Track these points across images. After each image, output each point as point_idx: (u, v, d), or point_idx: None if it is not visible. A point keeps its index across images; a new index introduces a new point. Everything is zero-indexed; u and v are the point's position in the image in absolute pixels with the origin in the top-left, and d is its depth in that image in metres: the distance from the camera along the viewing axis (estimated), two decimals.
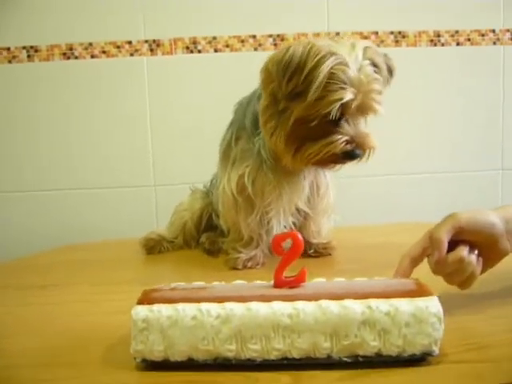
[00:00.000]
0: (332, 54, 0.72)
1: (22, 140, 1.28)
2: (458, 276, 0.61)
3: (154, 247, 1.02)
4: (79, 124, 1.28)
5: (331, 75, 0.71)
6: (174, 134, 1.29)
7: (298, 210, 0.90)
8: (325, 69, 0.70)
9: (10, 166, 1.28)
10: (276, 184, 0.84)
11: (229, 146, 0.87)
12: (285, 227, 0.89)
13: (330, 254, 0.93)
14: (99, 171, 1.29)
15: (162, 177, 1.29)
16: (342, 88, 0.71)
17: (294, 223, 0.91)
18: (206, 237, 1.01)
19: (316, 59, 0.70)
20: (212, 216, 1.00)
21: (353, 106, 0.73)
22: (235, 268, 0.87)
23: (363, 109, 0.76)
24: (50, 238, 1.24)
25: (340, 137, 0.75)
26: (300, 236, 0.55)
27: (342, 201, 1.12)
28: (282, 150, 0.77)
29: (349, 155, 0.76)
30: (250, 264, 0.87)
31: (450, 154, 1.34)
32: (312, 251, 0.93)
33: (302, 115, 0.74)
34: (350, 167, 0.80)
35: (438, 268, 0.61)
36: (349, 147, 0.75)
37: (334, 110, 0.72)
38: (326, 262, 0.91)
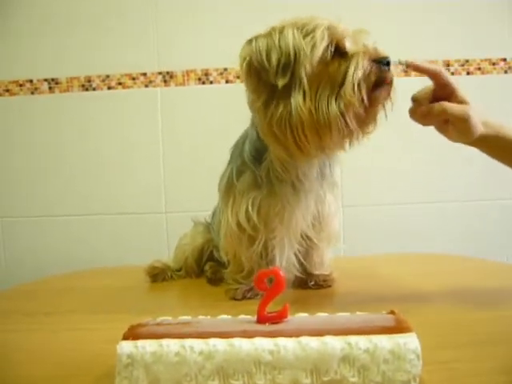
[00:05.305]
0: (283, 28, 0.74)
1: (40, 166, 1.33)
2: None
3: (158, 275, 1.03)
4: (96, 152, 1.33)
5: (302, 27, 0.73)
6: (186, 162, 1.32)
7: (302, 237, 0.88)
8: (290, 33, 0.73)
9: (25, 191, 1.33)
10: (281, 202, 0.83)
11: (230, 182, 0.86)
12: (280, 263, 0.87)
13: (329, 286, 0.92)
14: (112, 198, 1.33)
15: (174, 204, 1.32)
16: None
17: (296, 255, 0.89)
18: (209, 265, 1.02)
19: (277, 33, 0.74)
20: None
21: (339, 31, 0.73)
22: (235, 298, 0.87)
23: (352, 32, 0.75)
24: (61, 264, 1.27)
25: (359, 54, 0.72)
26: (282, 272, 0.56)
27: (350, 230, 1.11)
28: (319, 119, 0.71)
29: (382, 61, 0.72)
30: (249, 295, 0.87)
31: (456, 184, 1.33)
32: (312, 283, 0.92)
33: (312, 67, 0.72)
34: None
35: None
36: (373, 54, 0.72)
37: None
38: (326, 294, 0.90)
